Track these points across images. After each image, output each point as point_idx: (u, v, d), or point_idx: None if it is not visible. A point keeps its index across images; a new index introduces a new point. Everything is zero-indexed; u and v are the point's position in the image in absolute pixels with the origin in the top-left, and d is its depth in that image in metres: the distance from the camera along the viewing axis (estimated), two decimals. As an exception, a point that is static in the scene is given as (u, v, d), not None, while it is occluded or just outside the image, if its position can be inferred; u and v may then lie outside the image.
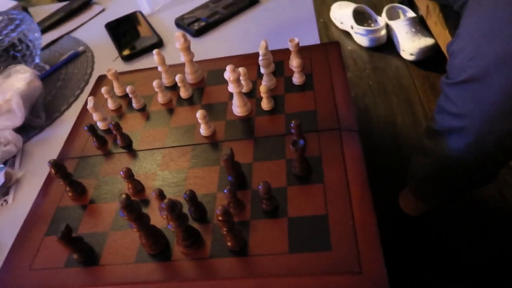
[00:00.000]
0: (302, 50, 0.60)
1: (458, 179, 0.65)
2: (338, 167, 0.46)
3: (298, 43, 0.56)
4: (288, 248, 0.40)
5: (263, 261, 0.40)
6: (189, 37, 0.75)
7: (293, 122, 0.46)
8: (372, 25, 1.44)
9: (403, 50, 1.34)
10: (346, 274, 0.37)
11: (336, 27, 1.55)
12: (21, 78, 0.65)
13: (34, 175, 0.59)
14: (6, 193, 0.57)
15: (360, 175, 0.45)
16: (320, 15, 1.63)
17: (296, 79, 0.57)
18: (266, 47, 0.56)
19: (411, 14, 1.39)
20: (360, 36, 1.43)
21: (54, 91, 0.73)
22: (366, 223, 0.40)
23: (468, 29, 0.49)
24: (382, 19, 1.42)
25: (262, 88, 0.53)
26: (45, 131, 0.67)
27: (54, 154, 0.56)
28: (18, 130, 0.64)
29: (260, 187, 0.41)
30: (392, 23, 1.38)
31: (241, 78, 0.54)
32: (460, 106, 0.53)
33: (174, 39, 0.59)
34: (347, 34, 1.50)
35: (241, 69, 0.54)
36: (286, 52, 0.61)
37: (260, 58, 0.55)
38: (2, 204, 0.56)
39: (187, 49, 0.59)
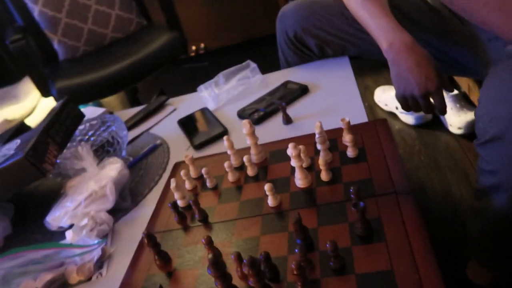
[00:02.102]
0: (353, 128, 0.67)
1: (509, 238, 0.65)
2: (398, 226, 0.50)
3: (349, 122, 0.64)
4: (359, 302, 0.43)
5: (336, 315, 0.43)
6: (250, 125, 0.86)
7: (352, 187, 0.52)
8: (416, 104, 1.51)
9: (450, 125, 1.38)
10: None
11: (381, 109, 1.64)
12: (113, 168, 0.78)
13: (123, 251, 0.67)
14: (100, 267, 0.65)
15: (420, 233, 0.48)
16: (365, 99, 1.73)
17: (350, 152, 0.64)
18: (321, 126, 0.64)
19: (454, 92, 1.46)
20: (406, 116, 1.50)
21: (137, 179, 0.85)
22: (432, 277, 0.43)
23: (485, 96, 0.56)
24: (426, 98, 1.49)
25: (321, 161, 0.60)
26: (131, 213, 0.77)
27: (139, 232, 0.64)
28: (109, 212, 0.74)
29: (328, 245, 0.46)
30: (436, 101, 1.44)
31: (301, 154, 0.62)
32: (491, 163, 0.57)
33: (239, 127, 0.69)
34: (393, 115, 1.58)
35: (301, 147, 0.62)
36: (338, 131, 0.69)
37: (317, 136, 0.63)
38: (97, 277, 0.64)
39: (253, 133, 0.69)
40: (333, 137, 0.69)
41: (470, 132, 1.32)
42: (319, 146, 0.65)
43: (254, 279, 0.44)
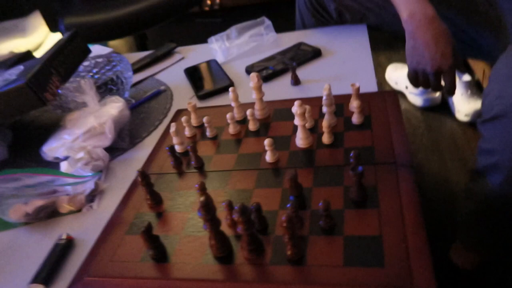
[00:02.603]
0: (362, 96, 0.66)
1: (502, 221, 0.65)
2: (393, 196, 0.50)
3: (359, 87, 0.63)
4: (343, 262, 0.43)
5: (318, 271, 0.43)
6: (257, 82, 0.85)
7: (352, 152, 0.51)
8: (427, 87, 1.49)
9: (458, 111, 1.36)
10: (399, 288, 0.39)
11: (391, 88, 1.61)
12: (114, 106, 0.77)
13: (116, 188, 0.67)
14: (92, 200, 0.66)
15: (414, 206, 0.48)
16: (376, 75, 1.70)
17: (356, 119, 0.63)
18: (329, 89, 0.62)
19: (467, 77, 1.43)
20: (415, 96, 1.47)
21: (137, 121, 0.84)
22: (420, 246, 0.43)
23: (496, 73, 0.55)
24: (438, 82, 1.46)
25: (325, 123, 0.59)
26: (127, 153, 0.77)
27: (133, 172, 0.64)
28: (106, 149, 0.74)
29: (320, 204, 0.46)
30: (448, 86, 1.41)
31: (305, 114, 0.61)
32: (491, 142, 0.56)
33: (246, 82, 0.68)
34: (401, 94, 1.56)
35: (307, 106, 0.61)
36: (346, 97, 0.68)
37: (324, 98, 0.62)
38: (88, 209, 0.64)
39: (259, 88, 0.67)
40: (340, 102, 0.68)
41: (476, 120, 1.31)
42: (324, 109, 0.63)
43: (243, 227, 0.44)
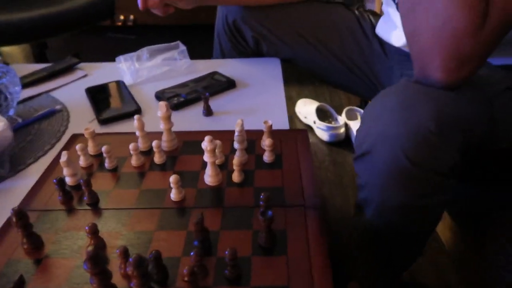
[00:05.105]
0: (274, 133, 0.65)
1: (380, 252, 0.69)
2: (301, 241, 0.48)
3: (271, 125, 0.62)
4: (249, 317, 0.40)
5: (222, 329, 0.39)
6: (167, 109, 0.80)
7: (262, 194, 0.49)
8: (333, 122, 1.57)
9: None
10: None
11: (300, 121, 1.67)
12: (-7, 126, 0.65)
13: (-14, 226, 0.56)
14: (-49, 242, 0.53)
15: (322, 252, 0.47)
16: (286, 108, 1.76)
17: (267, 157, 0.61)
18: (242, 125, 0.60)
19: (367, 117, 1.54)
20: (322, 131, 1.54)
21: (22, 144, 0.73)
22: (326, 297, 0.42)
23: (365, 114, 0.60)
24: (342, 119, 1.56)
25: (235, 161, 0.56)
26: (6, 182, 0.65)
27: (9, 207, 0.54)
28: (-22, 177, 0.62)
29: (226, 252, 0.42)
30: (351, 123, 1.51)
31: (216, 150, 0.58)
32: (361, 177, 0.60)
33: (155, 109, 0.63)
34: (309, 128, 1.62)
35: (217, 142, 0.58)
36: (258, 133, 0.66)
37: (236, 134, 0.60)
38: None
39: (168, 118, 0.63)
40: (252, 139, 0.66)
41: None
42: (236, 145, 0.61)
43: (138, 282, 0.38)
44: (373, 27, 0.95)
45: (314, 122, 1.57)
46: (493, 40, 0.54)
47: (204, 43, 1.29)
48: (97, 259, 0.37)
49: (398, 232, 0.64)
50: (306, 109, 1.65)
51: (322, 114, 1.60)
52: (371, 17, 0.97)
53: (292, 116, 1.70)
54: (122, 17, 2.44)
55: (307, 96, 1.75)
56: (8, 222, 0.53)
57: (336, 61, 0.98)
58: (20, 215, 0.47)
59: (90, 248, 0.37)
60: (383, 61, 0.93)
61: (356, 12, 0.99)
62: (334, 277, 0.45)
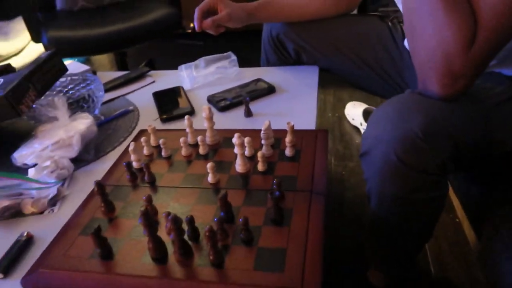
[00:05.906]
0: (298, 132, 0.78)
1: (389, 239, 0.78)
2: (303, 219, 0.61)
3: (293, 126, 0.75)
4: (253, 267, 0.54)
5: (233, 273, 0.54)
6: (215, 111, 0.96)
7: (275, 179, 0.62)
8: (379, 125, 1.64)
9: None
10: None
11: (349, 122, 1.76)
12: (83, 122, 0.86)
13: (77, 195, 0.76)
14: (54, 204, 0.74)
15: (318, 227, 0.59)
16: (336, 110, 1.85)
17: (288, 152, 0.74)
18: (268, 126, 0.74)
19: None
20: (367, 133, 1.62)
21: (104, 136, 0.94)
22: (315, 258, 0.54)
23: (370, 118, 0.70)
24: (387, 121, 1.62)
25: (260, 154, 0.70)
26: (91, 165, 0.86)
27: (94, 181, 0.73)
28: (72, 160, 0.83)
29: (241, 220, 0.57)
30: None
31: (246, 144, 0.72)
32: (366, 173, 0.70)
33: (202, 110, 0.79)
34: (356, 129, 1.70)
35: (246, 138, 0.72)
36: (284, 132, 0.79)
37: (262, 132, 0.73)
38: (49, 212, 0.73)
39: (210, 118, 0.78)
40: (279, 136, 0.79)
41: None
42: (263, 141, 0.75)
43: (175, 233, 0.54)
44: (404, 38, 1.02)
45: (361, 124, 1.65)
46: (483, 57, 0.62)
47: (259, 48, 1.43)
48: (147, 215, 0.54)
49: (401, 221, 0.73)
50: (354, 111, 1.73)
51: (369, 117, 1.67)
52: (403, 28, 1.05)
53: (341, 117, 1.79)
54: (191, 25, 2.69)
55: (358, 99, 1.82)
56: (92, 192, 0.72)
57: (369, 70, 1.06)
58: (100, 187, 0.65)
59: (142, 208, 0.54)
60: (412, 70, 1.01)
61: (390, 23, 1.07)
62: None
